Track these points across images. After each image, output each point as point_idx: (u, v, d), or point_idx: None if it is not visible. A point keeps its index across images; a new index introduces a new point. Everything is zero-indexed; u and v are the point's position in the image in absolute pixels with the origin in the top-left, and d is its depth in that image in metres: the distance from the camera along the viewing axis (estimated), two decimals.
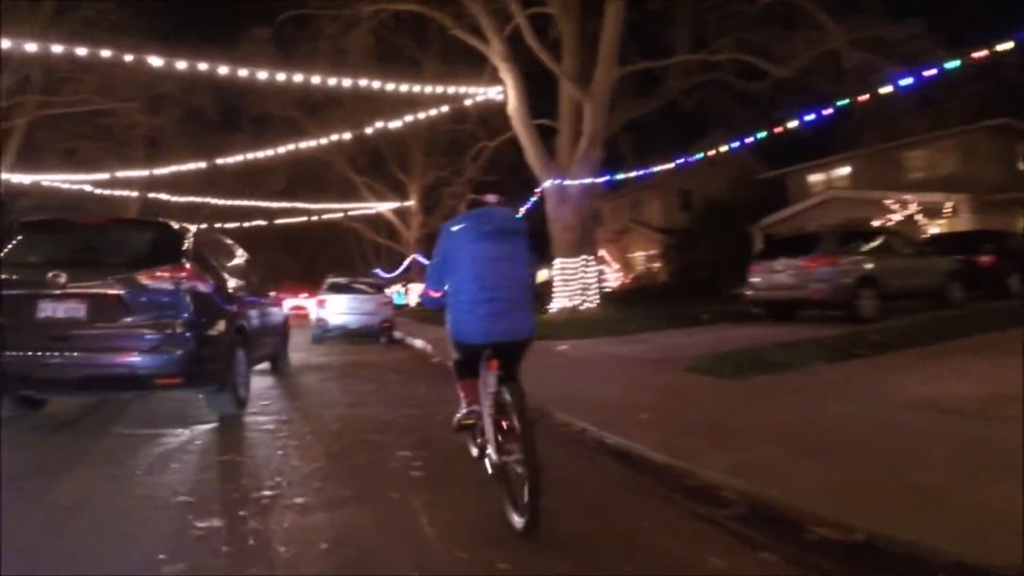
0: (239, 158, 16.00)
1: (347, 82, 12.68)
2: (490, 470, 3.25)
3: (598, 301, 13.73)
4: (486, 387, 3.23)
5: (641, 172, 13.90)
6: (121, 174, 16.40)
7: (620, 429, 4.38)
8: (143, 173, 18.09)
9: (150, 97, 20.54)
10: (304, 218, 29.12)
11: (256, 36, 17.73)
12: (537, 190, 14.20)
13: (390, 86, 13.20)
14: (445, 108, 15.65)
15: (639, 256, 33.83)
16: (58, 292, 4.87)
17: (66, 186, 18.03)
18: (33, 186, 17.86)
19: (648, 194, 32.47)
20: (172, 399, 6.21)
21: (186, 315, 4.99)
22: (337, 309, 13.66)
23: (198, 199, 23.08)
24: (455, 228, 3.20)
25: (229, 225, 29.54)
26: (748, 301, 11.59)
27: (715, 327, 11.00)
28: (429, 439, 4.67)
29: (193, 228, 5.84)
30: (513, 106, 13.75)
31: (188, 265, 5.18)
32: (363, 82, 12.84)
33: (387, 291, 15.58)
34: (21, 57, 17.36)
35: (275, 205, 25.90)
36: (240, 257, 7.18)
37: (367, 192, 29.19)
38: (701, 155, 13.22)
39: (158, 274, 4.99)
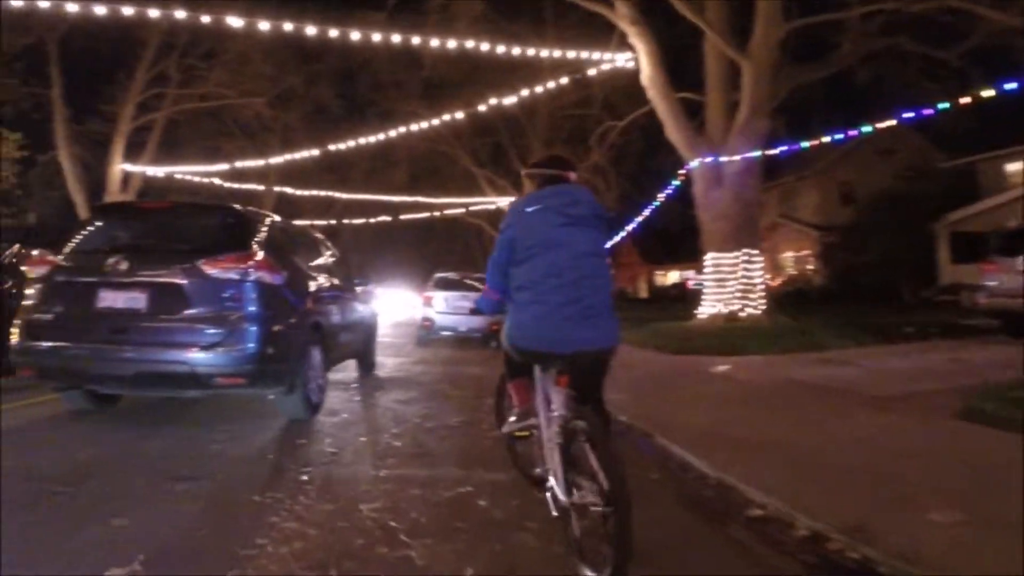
0: (353, 143, 15.10)
1: (460, 46, 11.28)
2: (554, 510, 2.63)
3: (764, 306, 11.17)
4: (549, 407, 2.72)
5: (833, 137, 10.66)
6: (240, 164, 16.19)
7: (901, 543, 2.30)
8: (260, 163, 17.87)
9: (277, 93, 20.64)
10: (427, 214, 28.64)
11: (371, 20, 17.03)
12: (682, 171, 11.80)
13: (509, 50, 11.62)
14: (565, 80, 13.73)
15: (788, 256, 30.26)
16: (119, 280, 4.51)
17: (196, 179, 18.37)
18: (167, 178, 18.34)
19: (801, 186, 28.76)
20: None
21: (252, 309, 4.49)
22: (445, 308, 12.26)
23: (322, 192, 23.10)
24: (531, 208, 2.66)
25: (357, 221, 30.19)
26: (982, 309, 8.65)
27: (930, 344, 8.27)
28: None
29: (269, 216, 5.48)
30: (648, 73, 11.56)
31: (258, 254, 4.68)
32: (481, 45, 11.35)
33: None
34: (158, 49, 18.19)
35: (397, 199, 25.51)
36: (328, 252, 6.76)
37: (488, 186, 28.07)
38: (870, 128, 10.26)
39: (223, 263, 4.50)
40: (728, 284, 10.90)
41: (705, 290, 11.45)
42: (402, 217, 29.12)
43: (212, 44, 18.93)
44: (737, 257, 10.91)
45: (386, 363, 9.18)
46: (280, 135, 21.26)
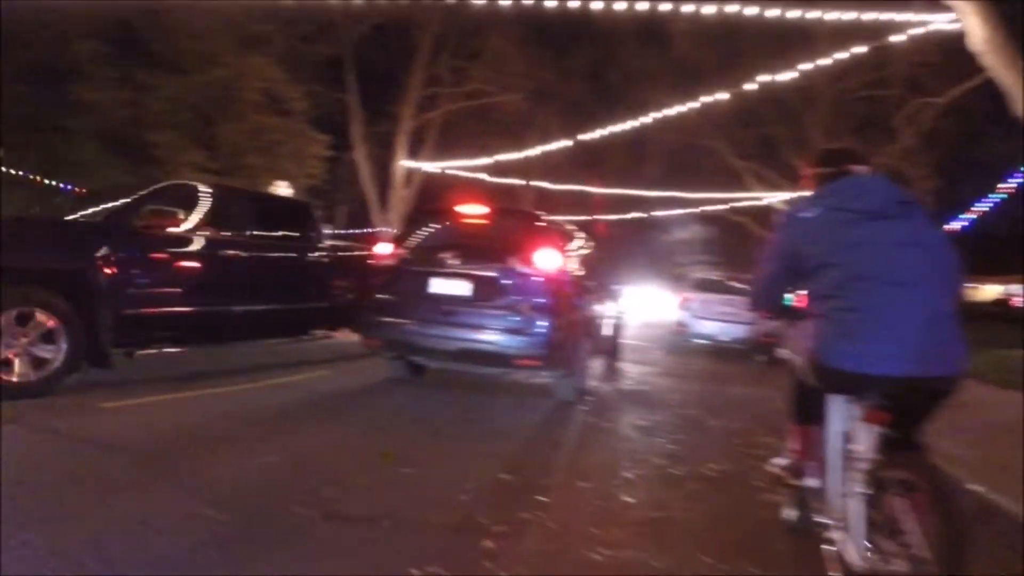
0: (605, 132, 14.16)
1: (720, 11, 9.61)
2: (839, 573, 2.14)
3: None
4: (851, 450, 2.21)
5: None
6: (503, 158, 16.48)
7: None
8: (519, 158, 18.02)
9: (532, 89, 20.93)
10: (682, 211, 26.86)
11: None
12: None
13: (783, 15, 9.62)
14: (861, 49, 11.08)
15: None
16: (447, 271, 5.44)
17: (464, 174, 19.41)
18: (442, 174, 19.72)
19: None
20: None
21: (551, 303, 5.28)
22: (705, 312, 10.78)
23: (576, 187, 22.96)
24: (809, 214, 2.26)
25: (611, 217, 29.71)
26: None
27: None
28: None
29: (564, 223, 6.50)
30: (981, 36, 8.58)
31: (558, 258, 5.50)
32: (746, 9, 9.57)
33: None
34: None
35: (650, 194, 24.26)
36: (585, 248, 7.06)
37: (754, 181, 25.19)
38: None
39: (533, 263, 5.34)
40: None
41: None
42: (655, 214, 27.79)
43: (476, 44, 19.80)
44: None
45: (628, 371, 8.16)
46: (539, 130, 21.56)
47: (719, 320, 10.56)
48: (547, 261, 5.36)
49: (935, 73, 13.40)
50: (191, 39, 14.09)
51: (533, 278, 5.29)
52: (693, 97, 15.28)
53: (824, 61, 11.84)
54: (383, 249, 6.21)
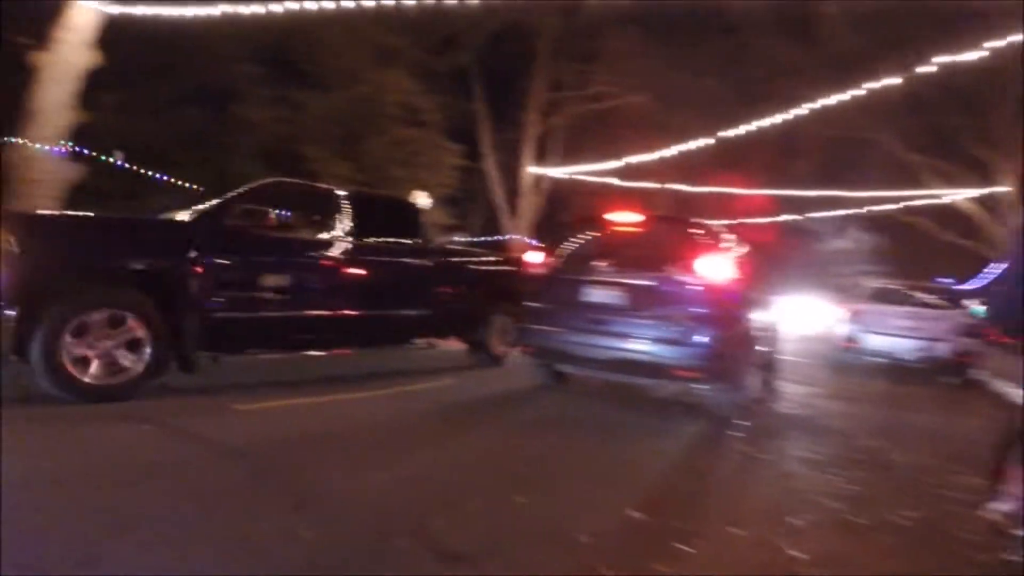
0: (744, 130, 12.74)
1: None
2: None
3: None
4: None
5: None
6: (634, 160, 15.46)
7: None
8: (653, 158, 17.00)
9: (662, 89, 19.96)
10: (844, 211, 24.25)
11: None
12: None
13: None
14: None
15: None
16: (603, 280, 5.35)
17: (591, 179, 18.85)
18: (570, 179, 19.33)
19: None
20: None
21: (712, 313, 5.04)
22: (881, 326, 9.35)
23: (717, 189, 21.57)
24: None
25: (760, 220, 27.59)
26: None
27: None
28: None
29: (725, 231, 5.92)
30: None
31: (721, 266, 5.23)
32: None
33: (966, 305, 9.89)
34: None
35: (804, 194, 22.16)
36: (742, 254, 6.49)
37: (931, 177, 22.11)
38: None
39: (692, 271, 5.11)
40: None
41: None
42: (810, 216, 25.37)
43: (594, 45, 19.23)
44: None
45: (789, 392, 7.15)
46: (675, 131, 20.46)
47: (898, 335, 9.10)
48: (707, 268, 5.14)
49: None
50: (334, 56, 14.89)
51: (692, 286, 5.09)
52: (855, 85, 13.62)
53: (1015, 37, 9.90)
54: (534, 257, 6.19)
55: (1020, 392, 6.18)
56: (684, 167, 20.40)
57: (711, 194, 22.85)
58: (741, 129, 15.02)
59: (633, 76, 19.41)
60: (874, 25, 17.66)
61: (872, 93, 13.06)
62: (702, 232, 5.57)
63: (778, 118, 14.18)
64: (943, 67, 11.73)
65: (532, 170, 20.40)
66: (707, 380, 5.08)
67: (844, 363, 9.64)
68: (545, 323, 5.53)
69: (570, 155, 20.51)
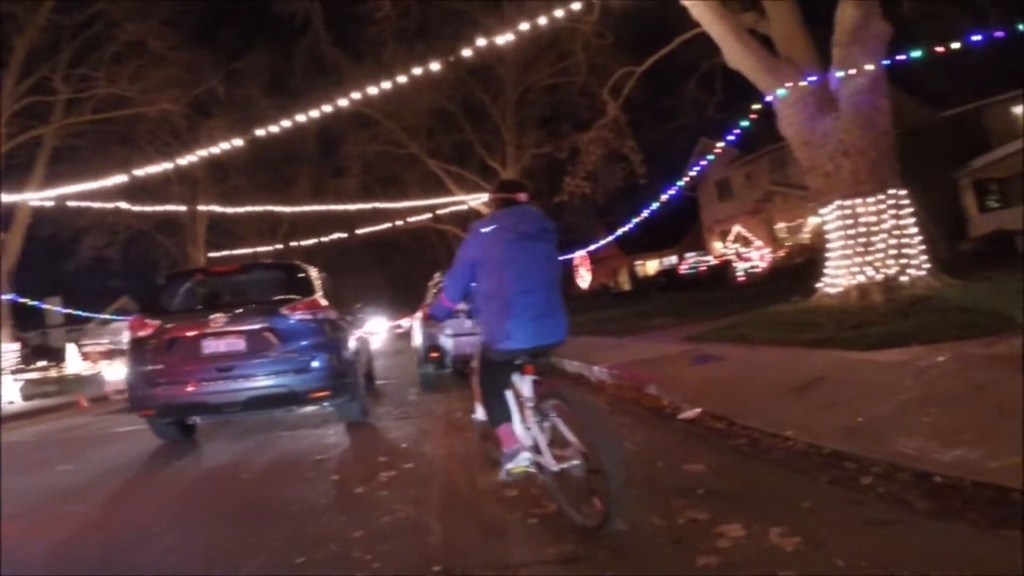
0: (280, 127, 10.66)
1: None
2: (547, 480, 3.03)
3: (928, 266, 7.81)
4: (522, 397, 3.12)
5: None
6: (146, 171, 11.62)
7: None
8: (167, 168, 12.97)
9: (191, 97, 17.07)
10: (387, 224, 24.98)
11: None
12: (767, 100, 8.43)
13: None
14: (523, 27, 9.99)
15: (782, 227, 28.25)
16: (215, 331, 5.52)
17: (97, 204, 14.18)
18: (60, 206, 14.23)
19: (791, 153, 26.37)
20: None
21: (326, 339, 5.68)
22: (460, 328, 8.86)
23: (260, 208, 19.52)
24: (486, 230, 3.12)
25: (307, 242, 26.29)
26: None
27: None
28: None
29: (315, 268, 6.67)
30: None
31: (321, 299, 5.90)
32: None
33: None
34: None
35: (351, 207, 21.88)
36: (326, 283, 6.79)
37: (454, 185, 24.59)
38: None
39: (301, 308, 5.68)
40: (871, 242, 7.63)
41: (830, 254, 8.15)
42: (359, 231, 25.27)
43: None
44: (881, 201, 7.70)
45: (391, 434, 5.69)
46: (204, 145, 17.54)
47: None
48: (315, 304, 5.74)
49: (618, 55, 13.81)
50: None
51: (308, 320, 5.63)
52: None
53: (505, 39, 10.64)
54: (137, 322, 5.85)
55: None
56: (239, 194, 17.83)
57: (260, 216, 20.67)
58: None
59: (159, 84, 15.95)
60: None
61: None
62: (300, 272, 6.23)
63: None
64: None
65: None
66: (337, 396, 5.74)
67: (435, 380, 8.82)
68: (165, 382, 5.50)
69: (71, 177, 15.11)
